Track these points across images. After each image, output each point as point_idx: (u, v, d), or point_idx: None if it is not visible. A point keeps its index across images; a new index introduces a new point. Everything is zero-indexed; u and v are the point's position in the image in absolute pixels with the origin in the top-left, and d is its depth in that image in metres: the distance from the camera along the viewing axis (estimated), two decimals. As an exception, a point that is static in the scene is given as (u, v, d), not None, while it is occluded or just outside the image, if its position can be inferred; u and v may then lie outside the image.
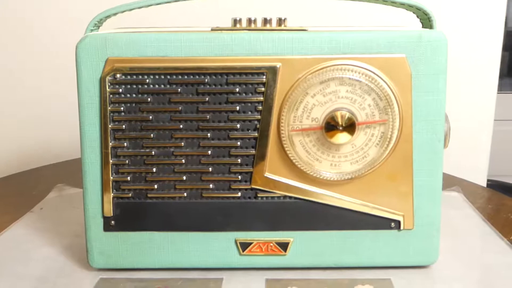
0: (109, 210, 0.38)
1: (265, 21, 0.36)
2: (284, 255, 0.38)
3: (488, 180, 0.89)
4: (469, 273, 0.39)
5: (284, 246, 0.38)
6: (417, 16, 0.40)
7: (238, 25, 0.36)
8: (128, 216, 0.38)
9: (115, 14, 0.37)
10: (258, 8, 0.71)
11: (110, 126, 0.36)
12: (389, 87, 0.35)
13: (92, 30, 0.38)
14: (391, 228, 0.38)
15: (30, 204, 0.54)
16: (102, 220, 0.38)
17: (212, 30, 0.36)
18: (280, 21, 0.36)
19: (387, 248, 0.38)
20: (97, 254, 0.38)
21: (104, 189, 0.37)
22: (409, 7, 0.38)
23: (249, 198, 0.37)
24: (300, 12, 0.75)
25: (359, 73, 0.35)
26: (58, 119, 0.80)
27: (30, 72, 0.79)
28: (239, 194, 0.37)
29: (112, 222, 0.38)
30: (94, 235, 0.38)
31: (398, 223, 0.38)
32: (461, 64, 0.80)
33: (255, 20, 0.36)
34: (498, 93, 0.83)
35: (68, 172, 0.66)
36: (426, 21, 0.38)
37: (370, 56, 0.35)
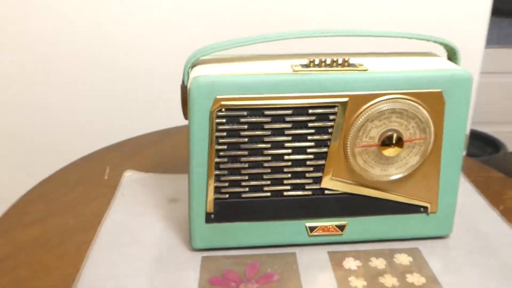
0: (211, 208, 0.49)
1: (333, 61, 0.46)
2: (341, 234, 0.51)
3: (471, 130, 1.02)
4: (475, 241, 0.53)
5: (341, 227, 0.51)
6: (445, 48, 0.51)
7: (312, 64, 0.46)
8: (225, 211, 0.49)
9: (210, 53, 0.46)
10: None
11: (215, 147, 0.46)
12: (428, 113, 0.47)
13: (191, 68, 0.47)
14: (420, 212, 0.51)
15: (106, 191, 0.63)
16: (204, 214, 0.49)
17: (294, 71, 0.45)
18: (344, 61, 0.46)
19: (416, 226, 0.52)
20: (199, 239, 0.50)
21: (207, 192, 0.48)
22: (441, 43, 0.49)
23: (318, 195, 0.49)
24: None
25: (406, 104, 0.46)
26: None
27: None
28: (310, 192, 0.49)
29: (212, 216, 0.49)
30: (198, 226, 0.50)
31: (426, 208, 0.51)
32: (450, 17, 0.89)
33: (325, 61, 0.46)
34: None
35: (124, 155, 0.75)
36: (453, 54, 0.49)
37: (415, 91, 0.46)
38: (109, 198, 0.62)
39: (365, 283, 0.47)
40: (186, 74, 0.47)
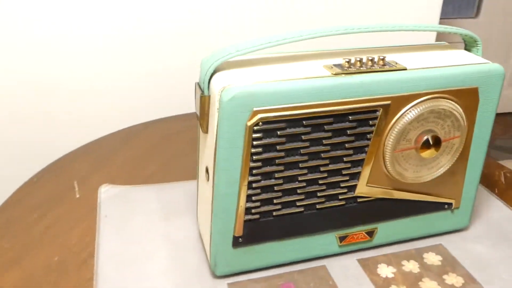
0: (239, 231, 0.43)
1: (369, 60, 0.42)
2: (371, 240, 0.49)
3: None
4: (490, 231, 0.53)
5: (370, 234, 0.48)
6: (464, 40, 0.49)
7: (348, 65, 0.42)
8: (254, 233, 0.44)
9: (231, 58, 0.40)
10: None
11: (250, 165, 0.40)
12: (463, 111, 0.45)
13: (212, 75, 0.40)
14: (445, 209, 0.50)
15: (84, 212, 0.55)
16: (231, 239, 0.44)
17: (333, 74, 0.41)
18: (380, 59, 0.42)
19: (440, 222, 0.51)
20: (224, 265, 0.45)
21: (237, 214, 0.42)
22: (465, 35, 0.47)
23: (350, 203, 0.46)
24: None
25: (444, 102, 0.43)
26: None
27: None
28: (344, 202, 0.46)
29: (240, 239, 0.44)
30: (223, 251, 0.44)
31: (450, 205, 0.50)
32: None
33: (361, 60, 0.42)
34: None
35: (90, 164, 0.65)
36: (474, 45, 0.48)
37: (453, 89, 0.43)
38: (92, 222, 0.53)
39: (408, 291, 0.45)
40: (205, 82, 0.40)
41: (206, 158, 0.43)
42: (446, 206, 0.50)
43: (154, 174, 0.63)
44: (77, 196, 0.58)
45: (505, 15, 1.86)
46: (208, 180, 0.43)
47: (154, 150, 0.69)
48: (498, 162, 0.64)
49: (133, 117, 0.90)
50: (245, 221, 0.43)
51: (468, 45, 0.49)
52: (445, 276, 0.47)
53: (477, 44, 0.48)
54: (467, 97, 0.44)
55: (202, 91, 0.41)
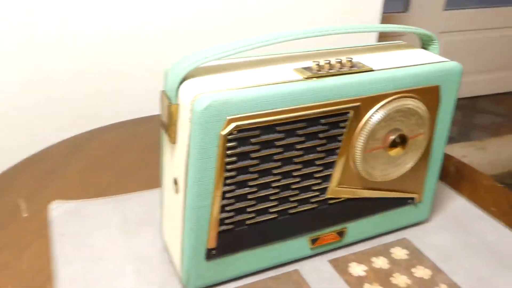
0: (213, 243, 0.42)
1: (337, 62, 0.42)
2: (340, 240, 0.49)
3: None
4: (448, 221, 0.56)
5: (341, 234, 0.49)
6: (421, 39, 0.50)
7: (318, 68, 0.41)
8: (228, 244, 0.43)
9: (203, 63, 0.38)
10: None
11: (224, 175, 0.39)
12: (426, 108, 0.46)
13: (182, 81, 0.38)
14: (408, 204, 0.51)
15: (35, 234, 0.51)
16: (204, 252, 0.42)
17: (305, 77, 0.40)
18: (351, 61, 0.42)
19: (404, 217, 0.52)
20: (197, 278, 0.43)
21: (210, 226, 0.41)
22: (422, 34, 0.48)
23: (322, 206, 0.46)
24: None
25: (410, 101, 0.44)
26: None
27: None
28: (316, 205, 0.45)
29: (213, 252, 0.42)
30: (195, 265, 0.42)
31: (413, 199, 0.51)
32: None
33: (329, 62, 0.42)
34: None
35: (35, 178, 0.61)
36: (430, 43, 0.49)
37: (416, 87, 0.44)
38: (44, 243, 0.49)
39: (382, 288, 0.46)
40: (174, 90, 0.38)
41: (174, 169, 0.41)
42: (409, 201, 0.51)
43: (108, 186, 0.60)
44: (25, 215, 0.53)
45: (433, 8, 1.95)
46: (177, 192, 0.41)
47: (105, 161, 0.65)
48: (447, 154, 0.67)
49: (74, 125, 0.85)
50: (219, 233, 0.42)
51: (425, 43, 0.50)
52: (413, 270, 0.48)
53: (433, 42, 0.49)
54: (429, 95, 0.45)
55: (170, 100, 0.39)
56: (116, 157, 0.66)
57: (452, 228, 0.54)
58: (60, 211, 0.54)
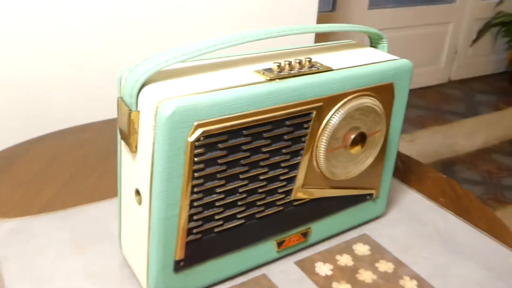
0: (181, 254, 0.40)
1: (299, 63, 0.42)
2: (305, 241, 0.49)
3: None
4: (401, 215, 0.57)
5: (305, 234, 0.48)
6: (370, 38, 0.51)
7: (279, 69, 0.41)
8: (196, 254, 0.41)
9: (166, 66, 0.36)
10: None
11: (192, 183, 0.37)
12: (382, 106, 0.47)
13: (142, 86, 0.36)
14: (367, 200, 0.52)
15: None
16: (172, 264, 0.40)
17: (268, 79, 0.39)
18: (310, 61, 0.42)
19: (363, 213, 0.53)
20: (164, 292, 0.41)
21: (178, 237, 0.39)
22: (371, 33, 0.49)
23: (287, 208, 0.45)
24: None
25: (367, 99, 0.45)
26: None
27: None
28: (282, 208, 0.45)
29: (181, 263, 0.41)
30: (163, 278, 0.40)
31: (371, 195, 0.52)
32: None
33: (290, 63, 0.41)
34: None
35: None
36: (379, 42, 0.50)
37: (373, 85, 0.45)
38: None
39: (349, 285, 0.46)
40: (133, 96, 0.36)
41: (135, 179, 0.39)
42: (368, 197, 0.52)
43: (51, 200, 0.56)
44: (-37, 238, 0.48)
45: (358, 8, 2.02)
46: (140, 203, 0.39)
47: (45, 174, 0.61)
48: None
49: (5, 137, 0.79)
50: (187, 243, 0.40)
51: (374, 42, 0.51)
52: (377, 264, 0.49)
53: (382, 41, 0.50)
54: (385, 92, 0.46)
55: (129, 107, 0.36)
56: (55, 170, 0.62)
57: (406, 220, 0.56)
58: (2, 231, 0.50)
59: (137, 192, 0.39)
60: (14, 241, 0.49)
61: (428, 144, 1.97)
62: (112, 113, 0.90)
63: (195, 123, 0.35)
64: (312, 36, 1.00)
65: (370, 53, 0.48)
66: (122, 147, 0.41)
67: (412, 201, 0.60)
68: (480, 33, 2.38)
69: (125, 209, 0.43)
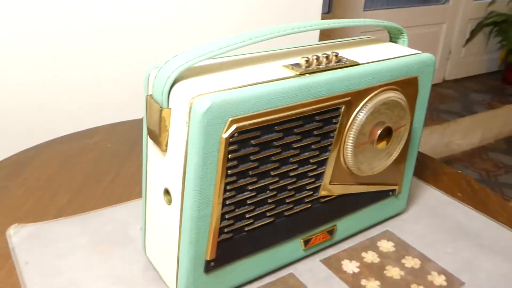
0: (212, 254, 0.39)
1: (326, 58, 0.41)
2: (331, 239, 0.48)
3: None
4: (422, 210, 0.57)
5: (330, 232, 0.48)
6: (390, 32, 0.51)
7: (307, 64, 0.40)
8: (227, 253, 0.40)
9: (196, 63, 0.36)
10: None
11: (225, 180, 0.37)
12: (407, 100, 0.46)
13: (173, 83, 0.36)
14: (389, 196, 0.52)
15: None
16: (203, 264, 0.39)
17: (298, 74, 0.39)
18: (337, 56, 0.42)
19: (386, 209, 0.52)
20: (194, 294, 0.40)
21: (210, 238, 0.38)
22: (392, 28, 0.49)
23: (315, 205, 0.45)
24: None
25: (393, 93, 0.45)
26: None
27: None
28: (310, 205, 0.44)
29: (212, 263, 0.40)
30: (194, 279, 0.39)
31: (394, 191, 0.52)
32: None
33: (318, 58, 0.41)
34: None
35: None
36: (400, 37, 0.50)
37: (399, 79, 0.45)
38: (8, 274, 0.44)
39: (378, 282, 0.46)
40: (165, 93, 0.35)
41: (165, 179, 0.38)
42: (390, 193, 0.51)
43: (67, 204, 0.55)
44: (-20, 245, 0.47)
45: (354, 9, 2.03)
46: (170, 203, 0.38)
47: (57, 179, 0.60)
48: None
49: (15, 142, 0.77)
50: (218, 243, 0.39)
51: (394, 37, 0.51)
52: (403, 261, 0.49)
53: (403, 35, 0.50)
54: (409, 86, 0.46)
55: (161, 105, 0.36)
56: (69, 173, 0.60)
57: (427, 216, 0.56)
58: (20, 237, 0.49)
59: (167, 192, 0.38)
60: (33, 246, 0.47)
61: (425, 143, 1.98)
62: (117, 117, 0.89)
63: (230, 119, 0.34)
64: (316, 35, 0.99)
65: (392, 48, 0.48)
66: (150, 146, 0.40)
67: (431, 196, 0.60)
68: (473, 33, 2.40)
69: (151, 210, 0.42)
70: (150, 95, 0.37)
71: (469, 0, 2.35)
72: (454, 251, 0.50)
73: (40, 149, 0.67)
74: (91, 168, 0.62)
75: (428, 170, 0.66)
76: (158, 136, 0.37)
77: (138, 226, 0.51)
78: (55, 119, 0.83)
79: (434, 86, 2.47)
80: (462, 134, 2.05)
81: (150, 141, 0.40)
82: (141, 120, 0.77)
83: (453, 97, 2.32)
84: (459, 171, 0.67)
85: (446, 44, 2.36)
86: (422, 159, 0.69)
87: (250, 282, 0.44)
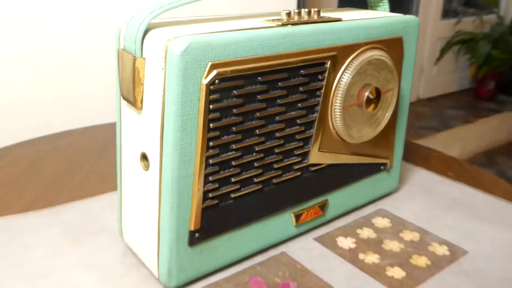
0: (197, 223, 0.36)
1: (308, 13, 0.39)
2: (323, 215, 0.45)
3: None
4: (414, 188, 0.54)
5: (322, 207, 0.45)
6: (369, 1, 0.49)
7: (289, 18, 0.38)
8: (212, 224, 0.37)
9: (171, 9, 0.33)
10: None
11: (207, 135, 0.34)
12: (393, 62, 0.45)
13: (146, 32, 0.33)
14: (381, 170, 0.49)
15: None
16: (187, 236, 0.36)
17: (281, 24, 0.37)
18: (318, 13, 0.40)
19: (378, 186, 0.50)
20: (179, 272, 0.36)
21: (194, 202, 0.35)
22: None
23: (305, 174, 0.42)
24: None
25: (379, 52, 0.43)
26: None
27: None
28: (299, 173, 0.41)
29: (197, 234, 0.36)
30: (178, 253, 0.36)
31: (386, 165, 0.49)
32: None
33: (300, 12, 0.39)
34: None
35: None
36: (380, 5, 0.48)
37: (384, 38, 0.43)
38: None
39: (377, 255, 0.42)
40: (138, 41, 0.33)
41: (141, 142, 0.35)
42: (382, 167, 0.49)
43: (36, 199, 0.50)
44: None
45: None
46: (148, 168, 0.35)
47: (26, 176, 0.55)
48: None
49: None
50: (202, 210, 0.36)
51: (374, 5, 0.49)
52: (401, 235, 0.46)
53: (383, 2, 0.48)
54: (395, 46, 0.44)
55: (134, 54, 0.33)
56: (37, 172, 0.56)
57: (421, 194, 0.53)
58: (-17, 232, 0.44)
59: (144, 157, 0.35)
60: (2, 240, 0.43)
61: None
62: (91, 121, 0.85)
63: (210, 63, 0.32)
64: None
65: (374, 12, 0.46)
66: (123, 110, 0.37)
67: (422, 176, 0.57)
68: (443, 51, 2.46)
69: (127, 182, 0.38)
70: (122, 48, 0.34)
71: (437, 19, 2.42)
72: (454, 224, 0.48)
73: (8, 150, 0.63)
74: (62, 166, 0.58)
75: (417, 154, 0.64)
76: (132, 92, 0.34)
77: (114, 216, 0.47)
78: (25, 123, 0.79)
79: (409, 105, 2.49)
80: (440, 148, 2.05)
81: (124, 104, 0.37)
82: (115, 124, 0.74)
83: (429, 115, 2.34)
84: (449, 154, 0.65)
85: (418, 62, 2.41)
86: (410, 146, 0.67)
87: (240, 261, 0.40)
